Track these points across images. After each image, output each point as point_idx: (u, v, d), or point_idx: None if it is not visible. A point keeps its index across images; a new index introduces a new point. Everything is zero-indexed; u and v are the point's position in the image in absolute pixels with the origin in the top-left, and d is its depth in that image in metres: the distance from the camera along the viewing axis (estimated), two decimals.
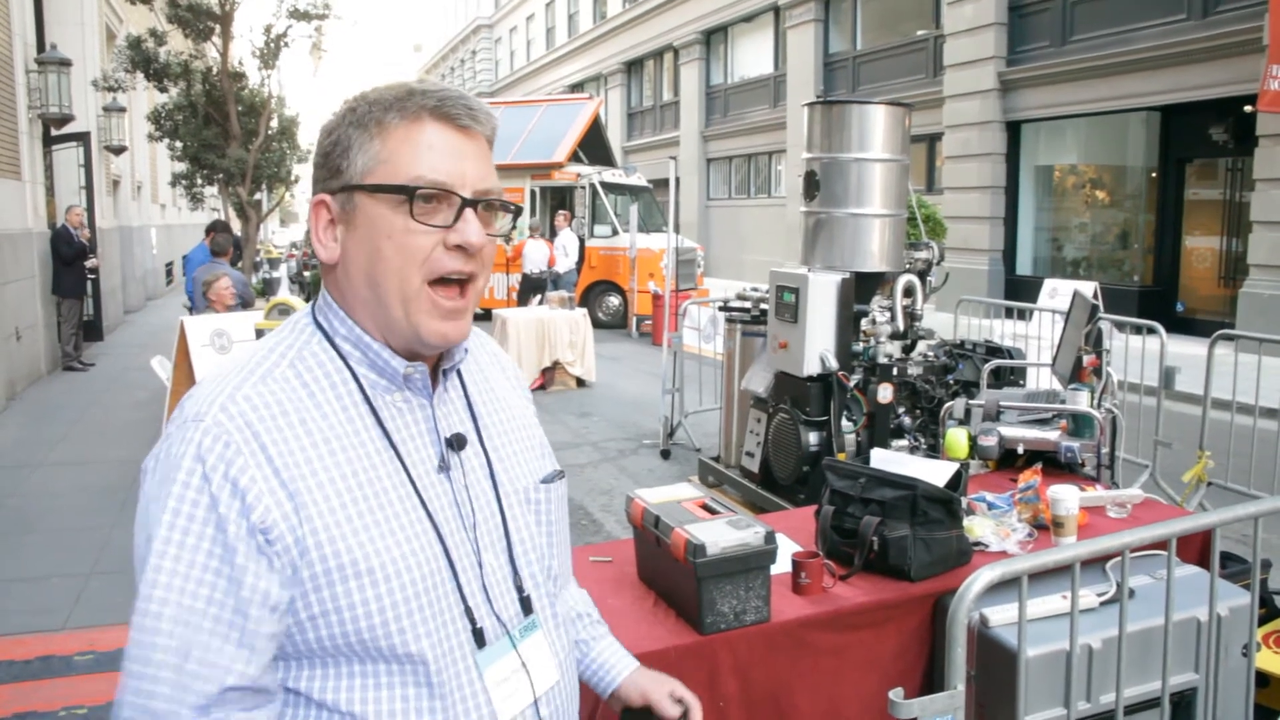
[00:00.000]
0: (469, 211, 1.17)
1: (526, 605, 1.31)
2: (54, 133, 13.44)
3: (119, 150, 17.30)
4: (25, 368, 11.23)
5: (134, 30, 16.75)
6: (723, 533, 2.60)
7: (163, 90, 16.64)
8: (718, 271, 26.44)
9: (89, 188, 14.39)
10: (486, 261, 1.23)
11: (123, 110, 16.98)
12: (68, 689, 4.10)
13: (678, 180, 9.92)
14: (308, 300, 14.83)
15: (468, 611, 1.22)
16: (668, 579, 2.77)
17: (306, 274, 23.03)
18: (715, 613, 2.57)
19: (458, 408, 1.32)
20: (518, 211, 1.27)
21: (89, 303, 13.89)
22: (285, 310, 5.16)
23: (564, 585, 1.53)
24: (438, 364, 1.29)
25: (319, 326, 1.24)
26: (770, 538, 2.59)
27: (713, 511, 2.78)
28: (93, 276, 13.44)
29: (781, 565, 2.81)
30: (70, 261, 12.17)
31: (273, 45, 15.17)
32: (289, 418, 1.14)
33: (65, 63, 12.75)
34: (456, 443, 1.27)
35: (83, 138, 14.14)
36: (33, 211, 12.08)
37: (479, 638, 1.23)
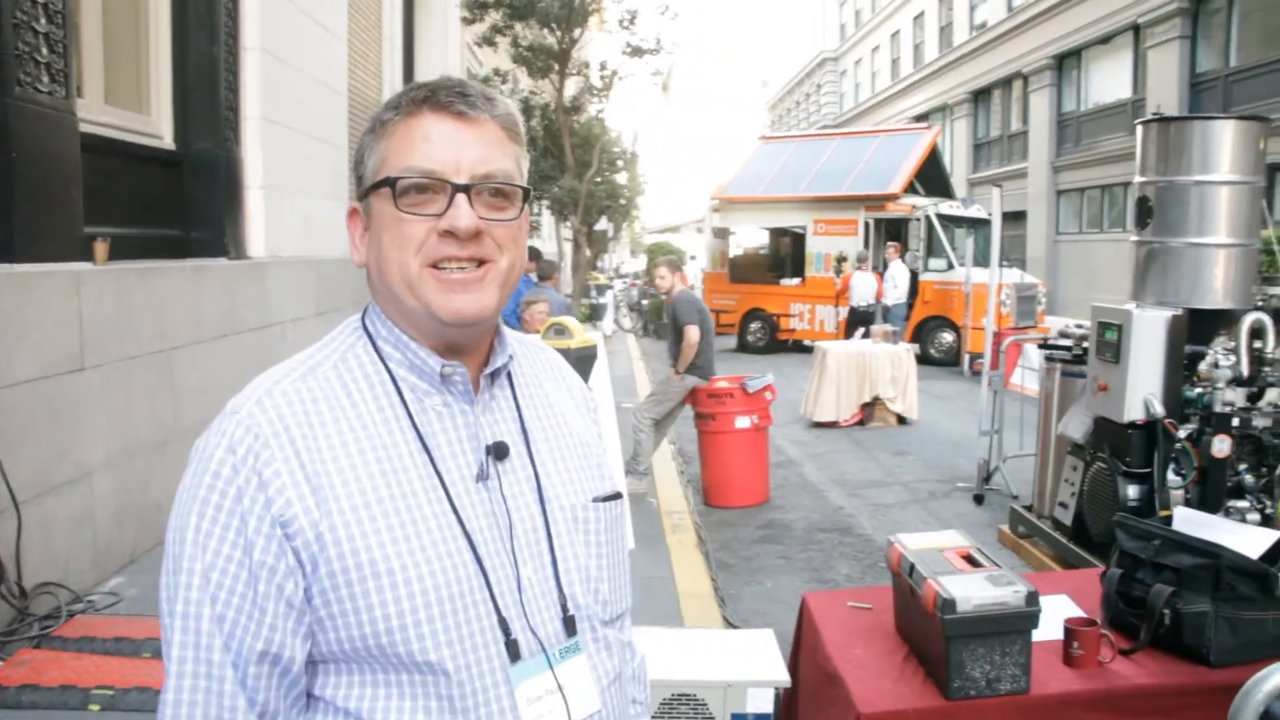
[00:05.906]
0: (460, 197, 1.16)
1: (570, 626, 1.24)
2: None
3: None
4: None
5: (489, 72, 18.21)
6: (979, 588, 2.35)
7: None
8: (1064, 310, 24.76)
9: None
10: (502, 243, 1.20)
11: None
12: None
13: (1010, 210, 9.35)
14: (586, 320, 15.33)
15: (501, 623, 1.17)
16: (919, 633, 2.55)
17: (645, 302, 23.90)
18: (964, 677, 2.32)
19: (505, 415, 1.28)
20: (526, 195, 1.24)
21: None
22: (561, 330, 5.44)
23: (626, 622, 1.42)
24: (483, 368, 1.26)
25: (365, 330, 1.25)
26: (1032, 599, 2.31)
27: (975, 564, 2.53)
28: None
29: (1054, 631, 2.50)
30: None
31: (607, 80, 15.91)
32: (322, 415, 1.14)
33: None
34: (498, 451, 1.23)
35: None
36: None
37: (512, 650, 1.17)
